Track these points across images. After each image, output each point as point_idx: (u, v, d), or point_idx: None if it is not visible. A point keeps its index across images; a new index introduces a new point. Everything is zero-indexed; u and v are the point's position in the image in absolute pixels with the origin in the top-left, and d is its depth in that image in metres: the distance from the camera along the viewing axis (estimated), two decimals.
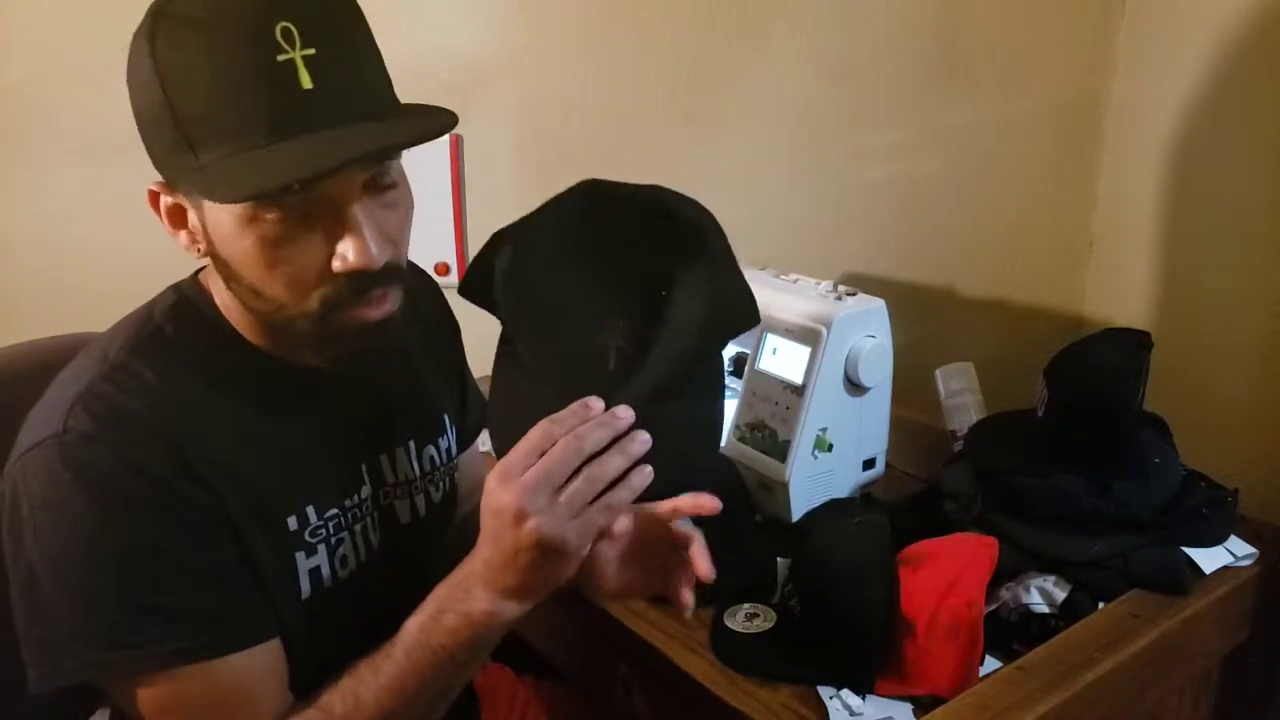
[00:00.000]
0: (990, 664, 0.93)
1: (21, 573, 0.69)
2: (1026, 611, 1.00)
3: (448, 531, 0.95)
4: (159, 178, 0.72)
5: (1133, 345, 1.13)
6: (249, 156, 0.63)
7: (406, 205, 0.74)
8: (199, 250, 0.72)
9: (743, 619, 0.98)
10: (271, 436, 0.76)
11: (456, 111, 0.72)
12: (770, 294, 1.24)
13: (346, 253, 0.68)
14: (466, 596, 0.70)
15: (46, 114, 1.21)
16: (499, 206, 1.56)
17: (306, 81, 0.64)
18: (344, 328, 0.71)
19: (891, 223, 1.96)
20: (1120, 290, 2.06)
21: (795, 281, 1.27)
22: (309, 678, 0.79)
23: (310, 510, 0.77)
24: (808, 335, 1.15)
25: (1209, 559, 1.06)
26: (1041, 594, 1.00)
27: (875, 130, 1.90)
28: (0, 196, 1.21)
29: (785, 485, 1.13)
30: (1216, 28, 1.76)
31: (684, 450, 0.74)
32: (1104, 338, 1.18)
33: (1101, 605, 1.01)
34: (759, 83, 1.76)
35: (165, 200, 0.72)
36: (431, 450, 0.90)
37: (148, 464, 0.68)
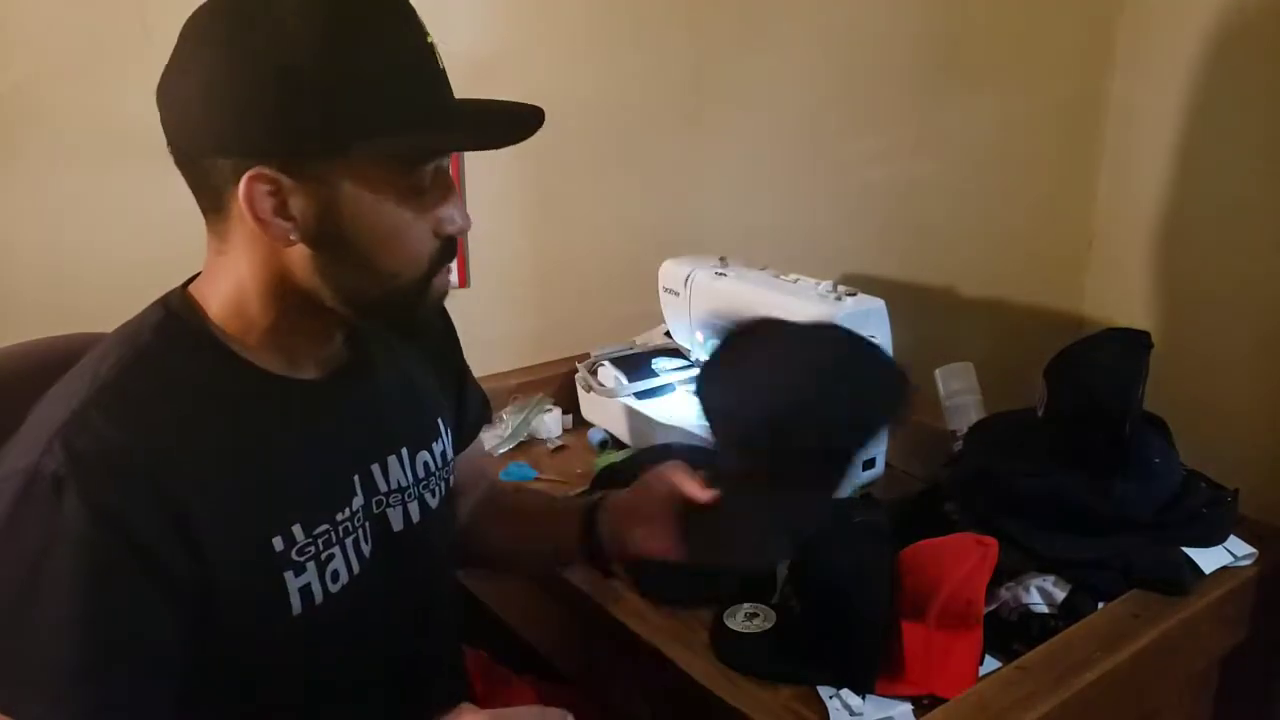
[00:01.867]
0: (990, 664, 0.93)
1: None
2: (1026, 611, 1.00)
3: (447, 533, 0.95)
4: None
5: (1133, 345, 1.13)
6: (447, 118, 0.73)
7: None
8: (290, 239, 0.71)
9: (742, 619, 0.98)
10: (260, 454, 0.75)
11: None
12: (770, 294, 1.24)
13: (456, 216, 0.76)
14: None
15: (46, 114, 1.21)
16: (499, 207, 1.57)
17: (441, 62, 0.74)
18: (431, 297, 0.78)
19: (891, 223, 1.96)
20: (1120, 290, 2.06)
21: (795, 281, 1.27)
22: (302, 691, 0.79)
23: (297, 529, 0.75)
24: None
25: (1209, 559, 1.06)
26: (1041, 594, 1.00)
27: (876, 130, 1.90)
28: (0, 196, 1.20)
29: None
30: (1216, 27, 1.76)
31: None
32: (1104, 338, 1.18)
33: (1101, 605, 1.01)
34: (760, 83, 1.76)
35: (273, 182, 0.69)
36: (426, 456, 0.89)
37: (117, 513, 0.66)
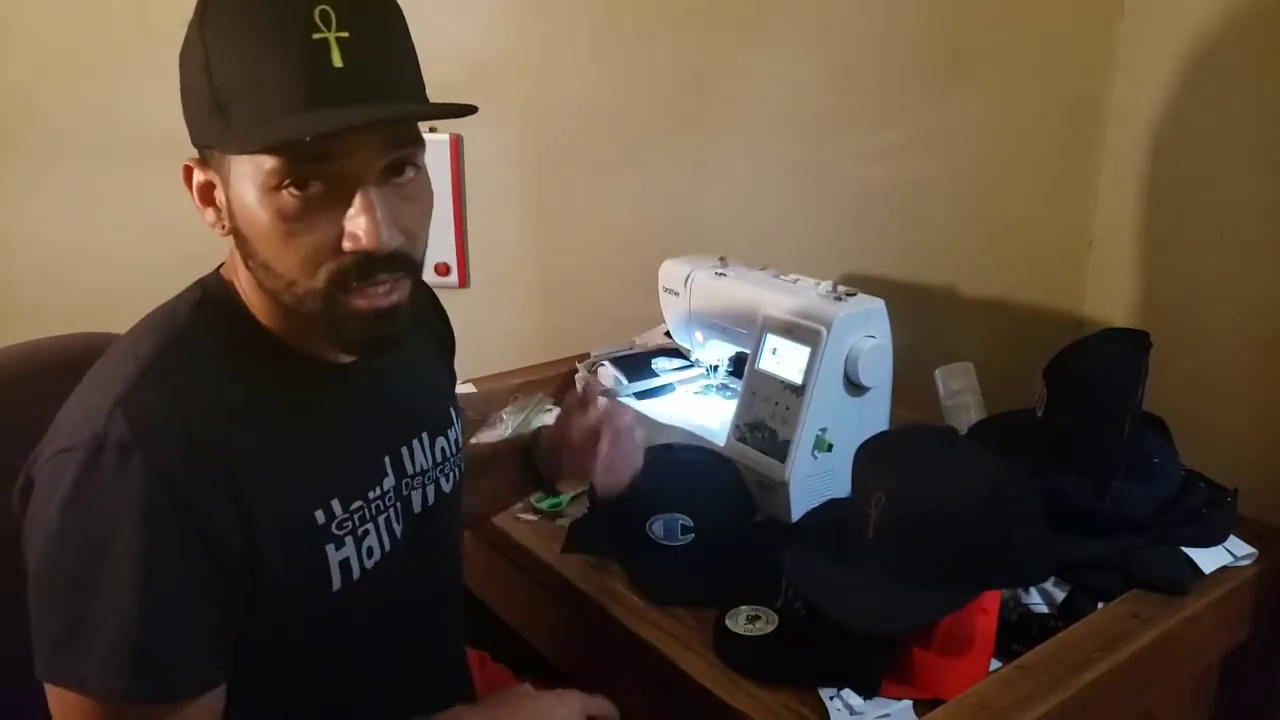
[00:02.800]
0: (990, 664, 0.93)
1: (32, 568, 0.69)
2: (1026, 611, 1.00)
3: (457, 518, 0.98)
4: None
5: (1132, 345, 1.14)
6: (276, 122, 0.66)
7: (426, 200, 0.76)
8: (223, 228, 0.74)
9: (744, 621, 0.98)
10: (299, 432, 0.78)
11: None
12: (770, 294, 1.24)
13: (356, 232, 0.69)
14: None
15: (47, 114, 1.21)
16: (499, 207, 1.57)
17: (338, 60, 0.67)
18: (351, 312, 0.72)
19: (892, 223, 1.96)
20: (1120, 290, 2.06)
21: (795, 281, 1.27)
22: (334, 668, 0.81)
23: (336, 504, 0.78)
24: (808, 335, 1.15)
25: (1209, 559, 1.06)
26: (1041, 594, 1.00)
27: (876, 130, 1.90)
28: (1, 195, 1.20)
29: (785, 485, 1.13)
30: (1216, 28, 1.76)
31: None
32: (1103, 338, 1.18)
33: (1101, 605, 1.01)
34: (761, 83, 1.76)
35: (197, 176, 0.74)
36: (443, 441, 0.92)
37: (180, 481, 0.68)
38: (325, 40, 0.66)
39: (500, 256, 1.58)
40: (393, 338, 0.76)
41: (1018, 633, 0.98)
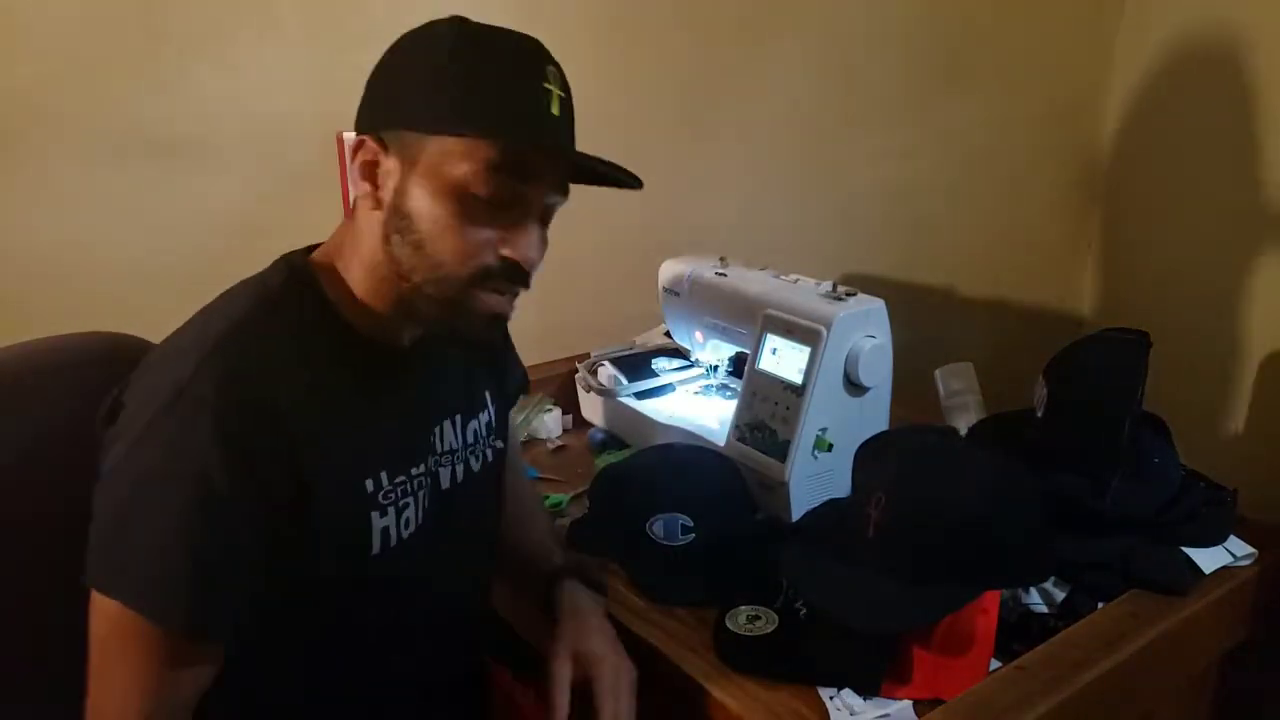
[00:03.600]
0: (990, 664, 0.93)
1: (100, 477, 0.75)
2: (1026, 611, 1.00)
3: (486, 497, 1.01)
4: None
5: (1132, 345, 1.14)
6: (509, 129, 0.79)
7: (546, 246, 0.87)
8: (375, 201, 0.82)
9: (744, 621, 0.98)
10: (358, 409, 0.84)
11: None
12: (770, 294, 1.24)
13: (520, 243, 0.81)
14: None
15: (55, 115, 1.21)
16: None
17: (555, 109, 0.81)
18: (475, 307, 0.82)
19: (891, 223, 1.96)
20: (1120, 290, 2.06)
21: (795, 281, 1.27)
22: (372, 629, 0.87)
23: (383, 475, 0.84)
24: (808, 335, 1.15)
25: (1209, 559, 1.06)
26: (1041, 594, 1.00)
27: (876, 131, 1.90)
28: (7, 196, 1.20)
29: (785, 485, 1.13)
30: (1216, 28, 1.76)
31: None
32: (1103, 338, 1.19)
33: (1101, 605, 1.01)
34: (762, 85, 1.76)
35: (364, 154, 0.81)
36: (475, 424, 0.97)
37: (245, 441, 0.74)
38: (550, 91, 0.81)
39: None
40: (492, 341, 0.94)
41: (1018, 633, 0.98)
